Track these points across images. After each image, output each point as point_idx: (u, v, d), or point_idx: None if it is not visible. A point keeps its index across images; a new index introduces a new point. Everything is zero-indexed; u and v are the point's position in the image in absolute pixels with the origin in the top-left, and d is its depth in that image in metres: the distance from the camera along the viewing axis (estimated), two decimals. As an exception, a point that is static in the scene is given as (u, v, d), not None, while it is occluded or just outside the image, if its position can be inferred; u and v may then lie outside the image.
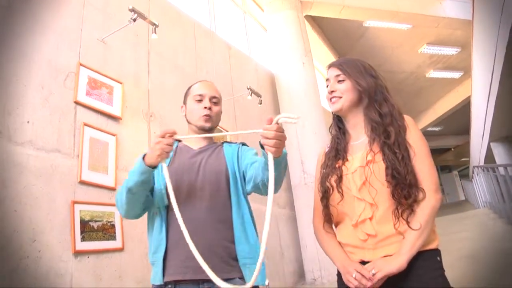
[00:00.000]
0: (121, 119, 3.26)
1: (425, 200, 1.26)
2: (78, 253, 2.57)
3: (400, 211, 1.25)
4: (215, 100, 1.66)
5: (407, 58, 11.69)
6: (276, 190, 1.46)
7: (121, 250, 2.89)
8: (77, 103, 2.91)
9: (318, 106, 6.40)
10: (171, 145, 1.35)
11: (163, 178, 1.44)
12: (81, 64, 3.01)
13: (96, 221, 2.77)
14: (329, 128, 1.56)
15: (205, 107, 1.61)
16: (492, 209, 8.32)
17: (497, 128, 8.21)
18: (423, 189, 1.26)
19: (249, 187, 1.53)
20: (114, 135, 3.12)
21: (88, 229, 2.69)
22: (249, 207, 1.54)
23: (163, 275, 1.43)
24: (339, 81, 1.43)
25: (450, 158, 21.10)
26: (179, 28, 4.59)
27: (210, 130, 1.64)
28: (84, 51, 3.11)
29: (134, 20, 3.14)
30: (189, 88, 1.73)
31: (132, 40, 3.68)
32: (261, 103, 5.38)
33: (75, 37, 3.09)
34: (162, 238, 1.46)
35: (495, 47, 5.11)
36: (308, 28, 8.31)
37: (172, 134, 1.37)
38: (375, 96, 1.39)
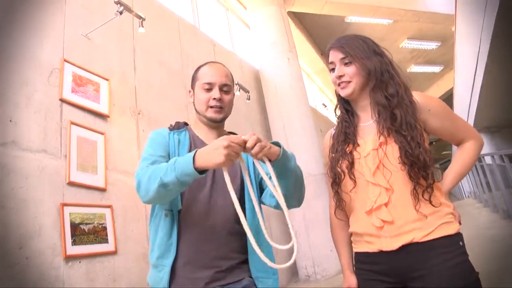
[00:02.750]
0: (109, 117, 3.13)
1: (469, 143, 1.39)
2: (69, 258, 2.44)
3: (419, 191, 1.19)
4: (226, 89, 1.45)
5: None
6: (299, 196, 1.39)
7: (114, 253, 2.77)
8: (62, 100, 2.77)
9: (305, 101, 6.36)
10: (238, 154, 1.14)
11: None
12: (65, 60, 2.87)
13: (87, 223, 2.64)
14: (334, 109, 1.48)
15: (215, 98, 1.42)
16: (477, 199, 8.45)
17: (480, 118, 8.35)
18: (465, 139, 1.40)
19: (271, 201, 1.40)
20: (102, 133, 2.99)
21: (79, 233, 2.56)
22: (263, 216, 1.35)
23: (169, 283, 1.31)
24: (345, 64, 1.34)
25: (432, 152, 21.44)
26: (163, 23, 4.47)
27: (221, 121, 1.48)
28: (68, 47, 2.97)
29: (121, 12, 3.02)
30: (196, 71, 1.52)
31: (117, 36, 3.55)
32: (249, 99, 5.30)
33: (59, 33, 2.95)
34: (172, 244, 1.32)
35: (479, 38, 5.15)
36: (291, 25, 8.26)
37: (243, 144, 1.15)
38: (382, 76, 1.31)
